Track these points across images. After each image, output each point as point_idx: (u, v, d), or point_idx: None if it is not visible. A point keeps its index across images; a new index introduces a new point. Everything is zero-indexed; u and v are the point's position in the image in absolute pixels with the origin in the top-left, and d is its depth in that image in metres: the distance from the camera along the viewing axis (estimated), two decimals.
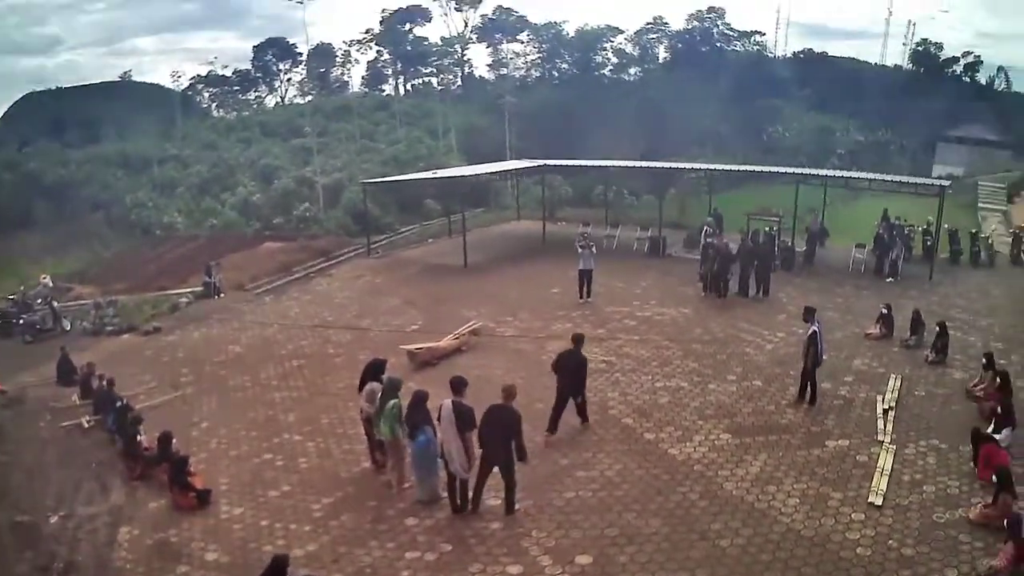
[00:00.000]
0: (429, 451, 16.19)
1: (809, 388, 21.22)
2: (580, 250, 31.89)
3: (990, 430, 18.15)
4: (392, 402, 16.67)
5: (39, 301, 35.05)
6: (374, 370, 18.13)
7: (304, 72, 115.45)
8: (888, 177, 42.28)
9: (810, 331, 20.82)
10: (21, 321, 33.56)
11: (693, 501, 16.40)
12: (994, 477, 15.26)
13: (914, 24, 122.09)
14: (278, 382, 25.42)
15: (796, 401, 21.32)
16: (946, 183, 38.94)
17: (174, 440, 18.97)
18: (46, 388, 26.70)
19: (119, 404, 21.54)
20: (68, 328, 33.77)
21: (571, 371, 19.44)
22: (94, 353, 29.36)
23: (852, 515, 15.59)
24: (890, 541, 14.68)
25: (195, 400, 24.37)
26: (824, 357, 21.68)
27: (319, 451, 20.00)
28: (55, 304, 34.84)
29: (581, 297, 31.90)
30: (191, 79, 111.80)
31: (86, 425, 22.72)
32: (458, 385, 15.79)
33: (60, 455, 21.06)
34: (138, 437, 19.50)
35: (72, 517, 17.48)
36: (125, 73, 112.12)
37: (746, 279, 32.56)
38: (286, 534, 16.06)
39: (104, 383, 23.50)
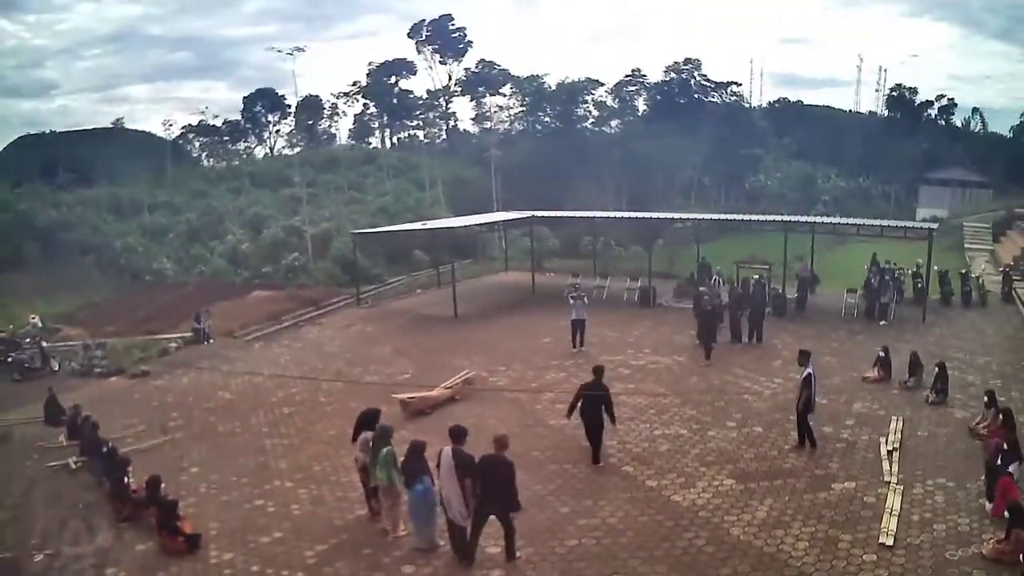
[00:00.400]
0: (427, 500, 15.93)
1: (807, 433, 21.04)
2: (572, 300, 31.92)
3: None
4: (385, 449, 16.47)
5: (28, 341, 34.61)
6: (368, 420, 17.92)
7: (293, 124, 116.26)
8: (877, 222, 42.61)
9: (804, 374, 20.70)
10: (9, 360, 33.07)
11: (700, 547, 16.11)
12: (1006, 513, 15.09)
13: (885, 70, 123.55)
14: (269, 429, 25.03)
15: (797, 447, 21.10)
16: (934, 226, 39.06)
17: (163, 484, 18.60)
18: (33, 427, 26.26)
19: (107, 448, 21.13)
20: (56, 368, 33.29)
21: (594, 401, 20.22)
22: (82, 394, 28.97)
23: (864, 556, 15.34)
24: None
25: (184, 445, 23.93)
26: (818, 400, 21.56)
27: (312, 498, 19.61)
28: (44, 344, 34.42)
29: (574, 346, 31.75)
30: (182, 128, 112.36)
31: (73, 466, 22.30)
32: (457, 434, 15.59)
33: (46, 494, 20.63)
34: (126, 479, 19.11)
35: (58, 556, 17.07)
36: (118, 120, 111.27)
37: (737, 326, 32.44)
38: None
39: (90, 425, 23.10)
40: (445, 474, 15.33)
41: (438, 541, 16.34)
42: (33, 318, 39.39)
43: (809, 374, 20.58)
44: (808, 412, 20.81)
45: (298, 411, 26.71)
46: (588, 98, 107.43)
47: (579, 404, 20.27)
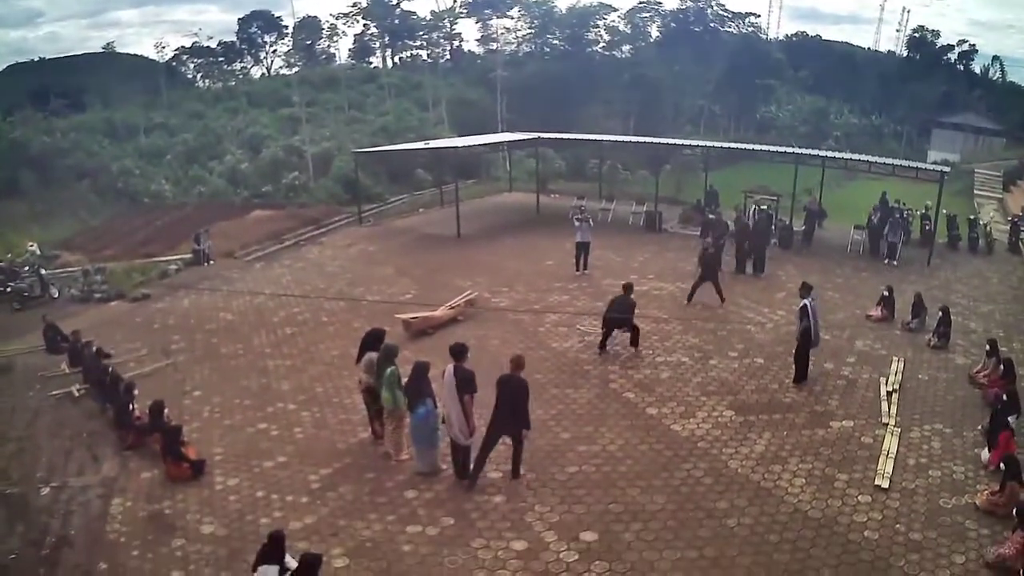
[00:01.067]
0: (428, 422, 16.01)
1: (797, 366, 21.24)
2: (576, 223, 31.70)
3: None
4: (390, 369, 16.44)
5: (27, 269, 34.42)
6: (373, 340, 17.76)
7: (290, 44, 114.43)
8: (889, 161, 42.08)
9: (800, 304, 20.77)
10: (8, 289, 32.89)
11: (698, 479, 16.24)
12: (1002, 465, 15.14)
13: (908, 11, 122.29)
14: (271, 350, 24.99)
15: (796, 383, 21.14)
16: (946, 169, 38.68)
17: (166, 410, 18.61)
18: (35, 357, 26.01)
19: (109, 374, 21.14)
20: (56, 296, 33.03)
21: (620, 311, 22.47)
22: (83, 320, 28.87)
23: (859, 497, 15.46)
24: (897, 525, 14.57)
25: (187, 368, 23.85)
26: (821, 335, 21.65)
27: (315, 421, 19.66)
28: (43, 272, 34.14)
29: (578, 269, 31.71)
30: (175, 50, 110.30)
31: (76, 394, 22.19)
32: (458, 352, 15.80)
33: (50, 425, 20.53)
34: (130, 406, 19.08)
35: (64, 489, 17.05)
36: (108, 44, 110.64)
37: (743, 256, 32.31)
38: (283, 506, 15.77)
39: (93, 351, 23.14)
40: (447, 392, 15.55)
41: (440, 465, 16.47)
42: (31, 246, 39.08)
43: (804, 305, 20.61)
44: (810, 346, 20.90)
45: (300, 331, 26.70)
46: (599, 23, 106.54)
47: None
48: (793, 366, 21.33)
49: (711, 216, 34.73)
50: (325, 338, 25.79)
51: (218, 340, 26.32)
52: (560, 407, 19.57)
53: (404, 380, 16.31)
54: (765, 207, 37.47)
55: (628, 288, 22.76)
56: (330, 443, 18.39)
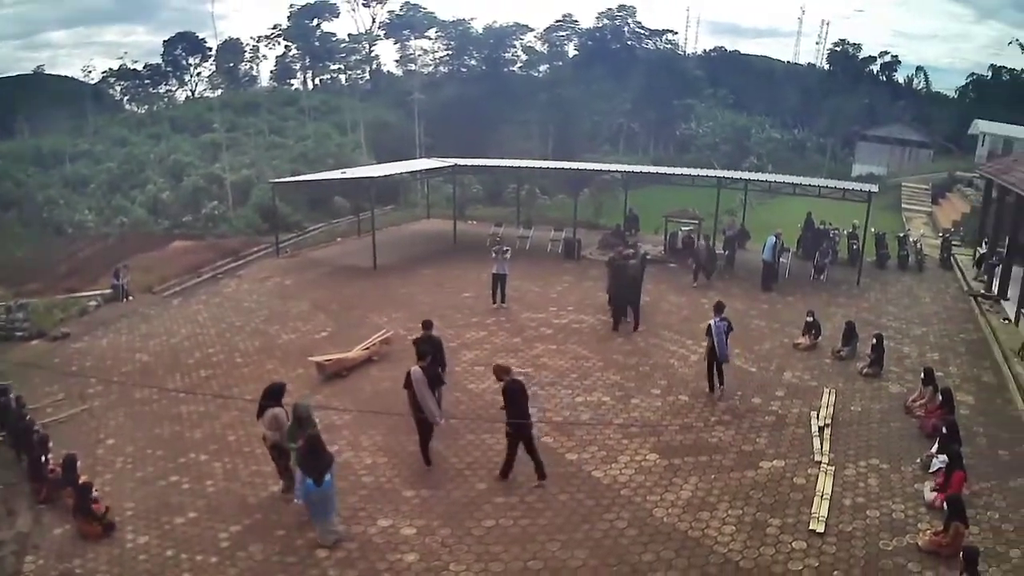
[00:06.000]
0: (327, 492, 15.61)
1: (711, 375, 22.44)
2: (494, 255, 31.24)
3: (934, 450, 17.91)
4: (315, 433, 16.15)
5: None
6: (273, 394, 17.38)
7: (214, 67, 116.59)
8: (815, 182, 41.97)
9: (706, 324, 21.69)
10: None
11: (621, 530, 15.83)
12: (944, 505, 14.90)
13: (828, 23, 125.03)
14: (185, 394, 24.24)
15: (708, 392, 22.37)
16: (874, 188, 38.67)
17: (79, 463, 18.03)
18: None
19: (24, 424, 20.54)
20: None
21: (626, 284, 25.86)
22: (3, 361, 28.04)
23: (793, 543, 15.17)
24: (835, 572, 14.32)
25: (102, 414, 23.21)
26: (727, 355, 22.20)
27: (226, 473, 19.07)
28: None
29: (494, 302, 31.23)
30: (103, 73, 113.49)
31: None
32: (422, 354, 19.19)
33: None
34: (44, 459, 18.66)
35: None
36: (38, 67, 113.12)
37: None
38: (192, 567, 15.28)
39: (12, 398, 22.22)
40: (420, 386, 18.06)
41: (339, 529, 15.96)
42: None
43: (709, 325, 21.40)
44: (714, 361, 22.10)
45: (214, 374, 26.05)
46: (516, 43, 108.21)
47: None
48: (721, 400, 21.59)
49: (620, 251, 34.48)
50: (239, 381, 25.14)
51: (133, 383, 25.51)
52: (476, 454, 19.10)
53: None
54: (687, 230, 37.39)
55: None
56: (241, 497, 17.84)
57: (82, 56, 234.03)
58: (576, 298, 32.78)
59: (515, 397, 17.26)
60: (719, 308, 21.93)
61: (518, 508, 16.74)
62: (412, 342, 21.30)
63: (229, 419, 22.15)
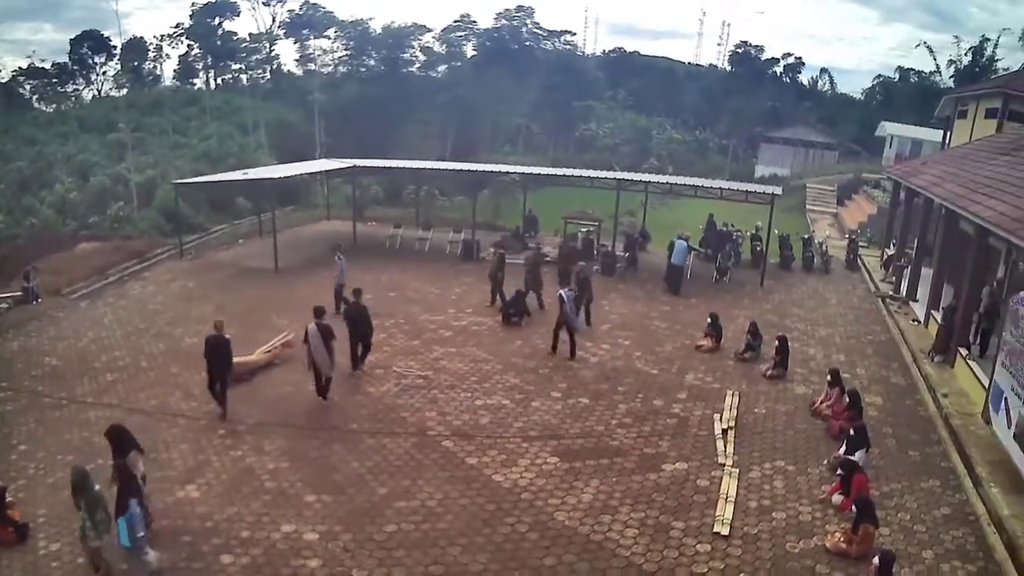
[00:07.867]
0: (136, 525, 14.76)
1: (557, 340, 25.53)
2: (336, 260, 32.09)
3: (842, 451, 18.06)
4: (93, 493, 15.20)
5: None
6: (125, 440, 16.79)
7: (119, 66, 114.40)
8: (717, 184, 42.34)
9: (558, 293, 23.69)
10: None
11: (523, 534, 15.70)
12: (853, 507, 15.02)
13: (729, 25, 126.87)
14: (93, 399, 23.70)
15: (549, 353, 25.45)
16: (777, 191, 39.02)
17: None
18: None
19: None
20: None
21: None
22: None
23: (697, 546, 15.17)
24: (741, 574, 14.35)
25: (14, 419, 22.56)
26: (580, 325, 24.93)
27: None
28: None
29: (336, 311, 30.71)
30: (12, 71, 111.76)
31: None
32: (320, 311, 22.59)
33: None
34: None
35: None
36: None
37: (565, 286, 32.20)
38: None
39: None
40: (315, 340, 21.56)
41: (151, 557, 15.09)
42: None
43: (560, 294, 24.94)
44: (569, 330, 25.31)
45: (120, 378, 25.37)
46: (414, 43, 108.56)
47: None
48: (622, 403, 21.64)
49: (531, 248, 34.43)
50: (145, 385, 24.55)
51: (43, 388, 24.89)
52: (377, 459, 18.84)
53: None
54: (585, 232, 37.46)
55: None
56: (147, 502, 17.21)
57: None
58: (476, 300, 32.66)
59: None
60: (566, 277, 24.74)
61: (419, 512, 16.53)
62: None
63: (135, 423, 21.17)
